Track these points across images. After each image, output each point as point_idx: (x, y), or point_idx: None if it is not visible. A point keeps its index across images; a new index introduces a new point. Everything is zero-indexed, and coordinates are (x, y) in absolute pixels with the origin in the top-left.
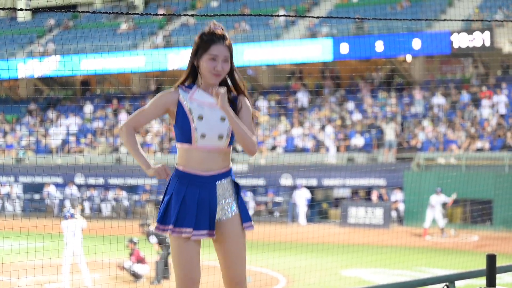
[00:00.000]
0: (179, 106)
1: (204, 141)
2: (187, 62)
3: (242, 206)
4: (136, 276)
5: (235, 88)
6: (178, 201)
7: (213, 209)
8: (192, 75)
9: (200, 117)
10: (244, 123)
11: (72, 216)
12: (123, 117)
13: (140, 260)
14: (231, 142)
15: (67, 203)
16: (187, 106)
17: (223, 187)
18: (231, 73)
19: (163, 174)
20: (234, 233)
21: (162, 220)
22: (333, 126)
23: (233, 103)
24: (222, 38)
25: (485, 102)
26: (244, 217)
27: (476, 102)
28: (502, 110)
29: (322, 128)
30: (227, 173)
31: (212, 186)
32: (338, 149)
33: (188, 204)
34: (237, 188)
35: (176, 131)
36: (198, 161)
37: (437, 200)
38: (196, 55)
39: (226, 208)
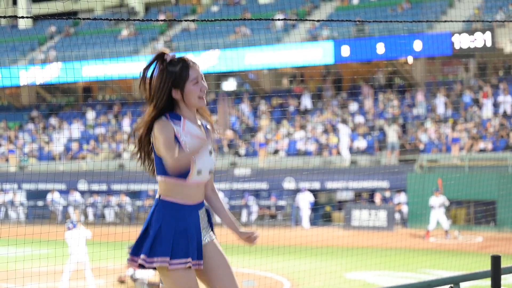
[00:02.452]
0: (176, 139)
1: (198, 177)
2: (155, 95)
3: (213, 228)
4: (134, 280)
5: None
6: (170, 234)
7: (199, 238)
8: (167, 108)
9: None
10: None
11: (74, 226)
12: (126, 123)
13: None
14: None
15: (70, 210)
16: (183, 140)
17: (202, 214)
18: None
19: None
20: (216, 253)
21: (149, 252)
22: (345, 126)
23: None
24: (189, 61)
25: (486, 103)
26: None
27: (478, 103)
28: (509, 110)
29: (325, 131)
30: (203, 201)
31: (196, 214)
32: (340, 152)
33: (180, 235)
34: (208, 212)
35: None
36: (188, 194)
37: (436, 201)
38: (177, 86)
39: (206, 233)
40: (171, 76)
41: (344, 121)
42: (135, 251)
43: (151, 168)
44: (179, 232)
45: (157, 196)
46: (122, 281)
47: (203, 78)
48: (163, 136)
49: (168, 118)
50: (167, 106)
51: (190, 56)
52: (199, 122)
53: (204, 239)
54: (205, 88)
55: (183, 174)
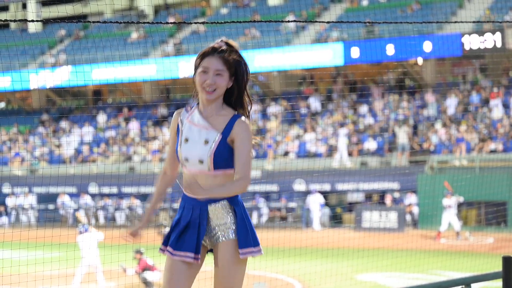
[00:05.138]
0: (178, 127)
1: (189, 165)
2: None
3: (241, 231)
4: (146, 284)
5: (236, 105)
6: (174, 222)
7: (201, 233)
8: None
9: (186, 140)
10: (238, 157)
11: (86, 230)
12: (135, 125)
13: (149, 268)
14: (220, 167)
15: (82, 213)
16: (181, 127)
17: (217, 211)
18: (239, 94)
19: (128, 237)
20: (225, 258)
21: (165, 242)
22: (346, 129)
23: (227, 128)
24: (217, 50)
25: (497, 104)
26: (242, 242)
27: (488, 104)
28: None
29: (334, 133)
30: (222, 198)
31: (204, 208)
32: (350, 154)
33: (180, 224)
34: (239, 213)
35: None
36: (186, 183)
37: (449, 202)
38: (195, 72)
39: (220, 232)
40: (195, 61)
41: (343, 125)
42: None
43: None
44: (181, 220)
45: None
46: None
47: (221, 74)
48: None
49: (186, 107)
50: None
51: (235, 48)
52: (221, 113)
53: (214, 238)
54: (210, 83)
55: (179, 160)
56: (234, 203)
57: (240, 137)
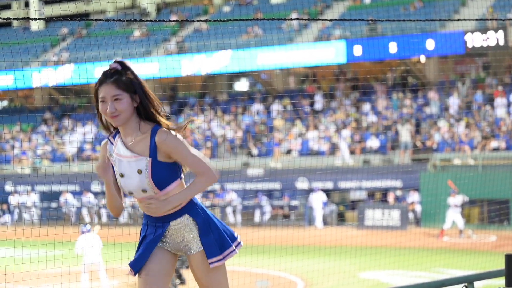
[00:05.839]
0: (109, 161)
1: (136, 195)
2: None
3: (206, 242)
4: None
5: (148, 118)
6: (140, 239)
7: (152, 246)
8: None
9: (122, 175)
10: (185, 162)
11: (89, 231)
12: None
13: None
14: (164, 185)
15: (84, 211)
16: (112, 161)
17: (180, 226)
18: (145, 108)
19: (99, 170)
20: (199, 269)
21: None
22: (349, 128)
23: (152, 148)
24: (109, 76)
25: (500, 102)
26: (209, 253)
27: (491, 102)
28: None
29: (337, 131)
30: (181, 211)
31: (166, 225)
32: (353, 152)
33: (141, 243)
34: (201, 223)
35: None
36: (142, 208)
37: (454, 201)
38: (96, 101)
39: (188, 245)
40: (95, 87)
41: (345, 123)
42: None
43: None
44: (144, 237)
45: None
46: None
47: (118, 98)
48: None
49: (109, 137)
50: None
51: (124, 64)
52: (140, 135)
53: (184, 249)
54: (111, 111)
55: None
56: (194, 214)
57: (169, 147)
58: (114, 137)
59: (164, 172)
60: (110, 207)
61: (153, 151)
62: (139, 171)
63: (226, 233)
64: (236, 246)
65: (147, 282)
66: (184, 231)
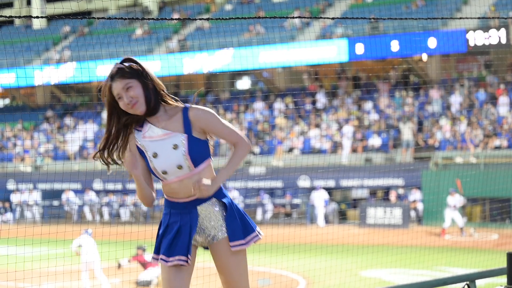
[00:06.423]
0: (138, 148)
1: (168, 176)
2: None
3: (230, 226)
4: (144, 285)
5: (167, 101)
6: (162, 230)
7: (192, 236)
8: (129, 119)
9: (155, 155)
10: (221, 134)
11: (90, 235)
12: None
13: (142, 263)
14: (199, 162)
15: (86, 209)
16: (142, 146)
17: (206, 210)
18: (153, 91)
19: (129, 166)
20: (222, 255)
21: (156, 250)
22: (351, 125)
23: (186, 124)
24: (113, 75)
25: (502, 100)
26: (232, 237)
27: (493, 100)
28: None
29: (339, 129)
30: (210, 196)
31: (193, 210)
32: (355, 150)
33: (170, 231)
34: (227, 208)
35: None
36: (174, 191)
37: (452, 201)
38: (112, 103)
39: (213, 231)
40: (108, 92)
41: (348, 121)
42: (154, 250)
43: None
44: (169, 227)
45: None
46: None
47: (129, 87)
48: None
49: (135, 129)
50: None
51: (119, 64)
52: (169, 115)
53: (209, 237)
54: (129, 101)
55: (155, 176)
56: (222, 197)
57: (206, 120)
58: (141, 126)
59: (199, 149)
60: (141, 198)
61: (187, 127)
62: (175, 146)
63: (247, 222)
64: (255, 236)
65: (180, 277)
66: (213, 215)
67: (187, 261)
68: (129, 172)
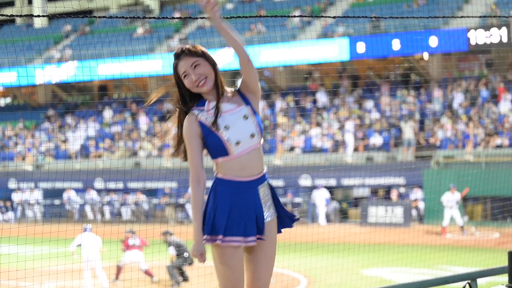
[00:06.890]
0: (203, 126)
1: (240, 147)
2: (173, 91)
3: (281, 208)
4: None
5: (223, 86)
6: (225, 211)
7: (260, 214)
8: (190, 99)
9: (226, 127)
10: (256, 79)
11: (90, 231)
12: (142, 121)
13: (127, 246)
14: (262, 131)
15: (88, 208)
16: (210, 122)
17: (264, 191)
18: (217, 75)
19: (201, 259)
20: (270, 237)
21: (211, 231)
22: (352, 122)
23: (245, 100)
24: (178, 54)
25: (503, 99)
26: (283, 220)
27: (494, 99)
28: None
29: (341, 128)
30: (264, 176)
31: (255, 191)
32: (356, 149)
33: (235, 212)
34: (272, 190)
35: (209, 150)
36: (239, 168)
37: (451, 198)
38: (178, 82)
39: (267, 211)
40: (174, 71)
41: (349, 119)
42: (206, 230)
43: None
44: (234, 209)
45: (214, 175)
46: (149, 275)
47: (196, 65)
48: (186, 142)
49: (192, 110)
50: (190, 99)
51: (184, 45)
52: (229, 95)
53: (266, 217)
54: (196, 79)
55: (223, 152)
56: (268, 180)
57: (248, 79)
58: (200, 105)
59: (259, 119)
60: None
61: (247, 101)
62: (245, 117)
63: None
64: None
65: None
66: (268, 196)
67: (262, 239)
68: (196, 258)
